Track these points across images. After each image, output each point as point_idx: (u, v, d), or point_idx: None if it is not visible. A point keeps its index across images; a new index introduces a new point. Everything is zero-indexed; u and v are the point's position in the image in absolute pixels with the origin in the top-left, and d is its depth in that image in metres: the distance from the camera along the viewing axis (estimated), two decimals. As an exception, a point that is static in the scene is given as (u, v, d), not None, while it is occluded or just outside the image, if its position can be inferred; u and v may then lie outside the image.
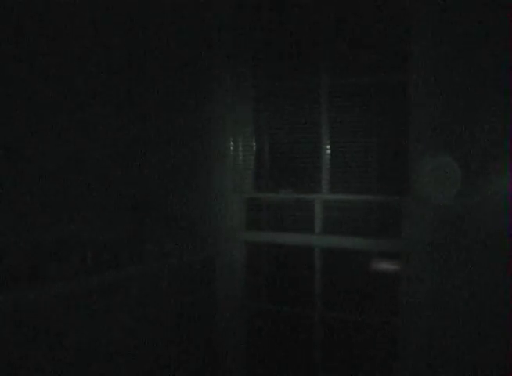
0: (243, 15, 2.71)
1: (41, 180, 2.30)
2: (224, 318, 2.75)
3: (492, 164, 2.11)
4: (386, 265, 2.49)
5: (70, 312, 1.89)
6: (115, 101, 2.76)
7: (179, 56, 2.81)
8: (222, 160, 2.72)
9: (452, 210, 2.18)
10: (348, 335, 2.54)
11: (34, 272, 1.89)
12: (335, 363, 2.57)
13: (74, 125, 2.43)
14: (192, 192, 2.79)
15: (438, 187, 2.18)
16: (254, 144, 2.78)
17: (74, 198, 2.43)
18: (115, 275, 2.11)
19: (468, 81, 2.14)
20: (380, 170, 2.43)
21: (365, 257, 2.50)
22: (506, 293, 2.09)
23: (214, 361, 2.74)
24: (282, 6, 2.63)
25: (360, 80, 2.47)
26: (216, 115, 2.72)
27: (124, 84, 2.81)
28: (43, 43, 2.33)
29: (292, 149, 2.66)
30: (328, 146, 2.55)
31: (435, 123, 2.20)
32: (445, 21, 2.17)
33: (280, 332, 2.73)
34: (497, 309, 2.12)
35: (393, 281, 2.41)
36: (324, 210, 2.57)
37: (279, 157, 2.71)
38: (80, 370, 1.93)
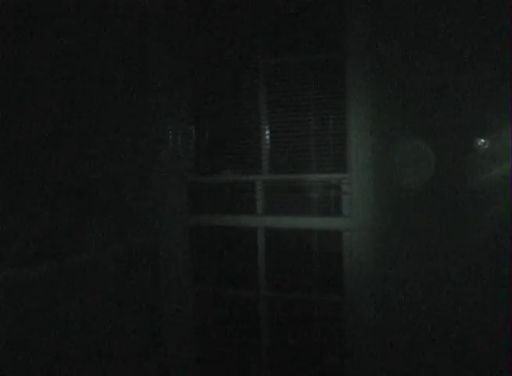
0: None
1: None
2: (170, 304, 2.71)
3: (438, 143, 2.13)
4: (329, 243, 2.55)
5: (14, 304, 1.82)
6: (52, 87, 2.57)
7: (115, 46, 2.66)
8: (162, 145, 2.66)
9: (393, 188, 2.22)
10: (296, 314, 2.58)
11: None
12: (282, 343, 2.61)
13: (8, 110, 2.25)
14: (133, 178, 2.69)
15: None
16: (194, 128, 2.73)
17: (11, 188, 2.26)
18: (57, 265, 2.04)
19: (405, 57, 2.15)
20: (320, 149, 2.47)
21: (308, 236, 2.55)
22: (447, 271, 2.15)
23: (162, 348, 2.71)
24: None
25: (297, 59, 2.48)
26: (154, 101, 2.66)
27: (62, 69, 2.63)
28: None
29: (232, 131, 2.64)
30: (267, 127, 2.56)
31: (372, 101, 2.22)
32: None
33: (227, 314, 2.73)
34: (439, 285, 2.17)
35: (337, 260, 2.46)
36: (265, 190, 2.59)
37: (220, 140, 2.68)
38: (23, 362, 1.85)
